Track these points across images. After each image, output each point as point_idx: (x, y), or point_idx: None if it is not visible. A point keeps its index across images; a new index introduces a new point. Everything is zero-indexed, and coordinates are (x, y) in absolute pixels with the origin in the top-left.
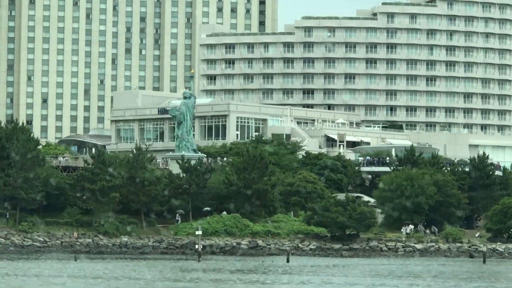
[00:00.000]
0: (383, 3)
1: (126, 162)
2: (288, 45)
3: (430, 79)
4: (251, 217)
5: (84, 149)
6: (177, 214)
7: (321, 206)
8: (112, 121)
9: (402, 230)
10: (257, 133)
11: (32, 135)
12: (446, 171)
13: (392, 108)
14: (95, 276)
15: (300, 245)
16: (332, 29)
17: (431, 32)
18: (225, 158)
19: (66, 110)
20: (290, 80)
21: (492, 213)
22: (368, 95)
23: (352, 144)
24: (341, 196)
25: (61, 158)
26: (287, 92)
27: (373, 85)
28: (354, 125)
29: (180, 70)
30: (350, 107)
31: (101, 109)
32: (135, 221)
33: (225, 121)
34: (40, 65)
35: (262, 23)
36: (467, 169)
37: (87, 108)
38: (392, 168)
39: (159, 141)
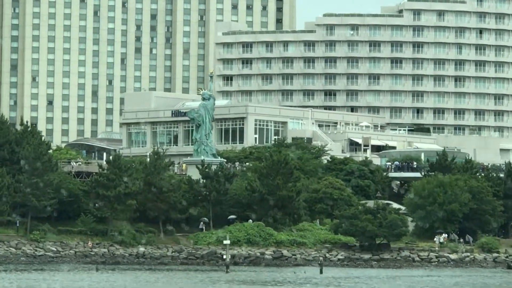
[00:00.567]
0: (409, 0)
1: (143, 168)
2: (309, 44)
3: (459, 80)
4: (275, 226)
5: (93, 153)
6: (201, 223)
7: (350, 214)
8: (123, 124)
9: (435, 239)
10: (276, 137)
11: (43, 139)
12: (480, 177)
13: (418, 111)
14: None
15: (327, 255)
16: (355, 27)
17: (459, 30)
18: (247, 164)
19: (72, 112)
20: (311, 80)
21: None
22: (393, 96)
23: (376, 148)
24: (370, 203)
25: (74, 163)
26: (308, 93)
27: (398, 86)
28: (379, 128)
29: (192, 70)
30: (374, 109)
31: (109, 111)
32: (153, 229)
33: (243, 124)
34: (46, 65)
35: (279, 21)
36: (501, 175)
37: (94, 111)
38: (423, 174)
39: (173, 145)
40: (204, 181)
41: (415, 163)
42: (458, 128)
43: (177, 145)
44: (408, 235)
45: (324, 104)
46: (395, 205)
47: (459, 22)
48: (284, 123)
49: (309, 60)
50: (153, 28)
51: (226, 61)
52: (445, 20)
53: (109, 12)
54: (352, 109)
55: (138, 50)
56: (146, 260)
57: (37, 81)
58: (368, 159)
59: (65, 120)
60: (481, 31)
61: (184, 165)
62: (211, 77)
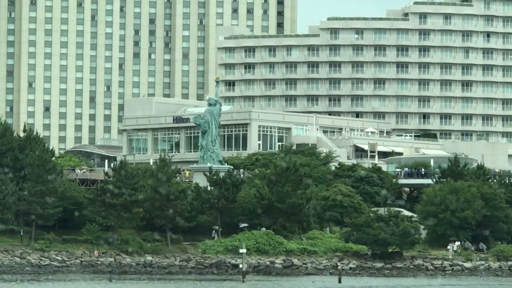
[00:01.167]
0: (415, 3)
1: (150, 175)
2: (313, 48)
3: (466, 84)
4: (284, 234)
5: (92, 160)
6: (213, 231)
7: (362, 222)
8: (123, 130)
9: (448, 247)
10: (280, 143)
11: (47, 145)
12: (492, 183)
13: (425, 116)
14: None
15: (339, 263)
16: (360, 31)
17: (466, 34)
18: (255, 170)
19: (70, 119)
20: (315, 85)
21: None
22: (399, 101)
23: (382, 155)
24: (380, 211)
25: (78, 170)
26: (312, 98)
27: (404, 91)
28: (385, 134)
29: (192, 75)
30: (380, 115)
31: (107, 117)
32: (160, 238)
33: (246, 130)
34: (42, 71)
35: (280, 25)
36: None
37: (92, 117)
38: (434, 180)
39: (175, 152)
40: (212, 188)
41: (423, 169)
42: (465, 134)
43: (179, 152)
44: (420, 243)
45: (329, 109)
46: (406, 213)
47: (466, 25)
48: (288, 129)
49: (313, 65)
50: (151, 33)
51: (228, 66)
52: (452, 23)
53: (107, 17)
54: (357, 114)
55: (136, 55)
56: (154, 269)
57: (33, 87)
58: (377, 165)
59: (62, 127)
60: (488, 34)
61: (187, 172)
62: (217, 82)
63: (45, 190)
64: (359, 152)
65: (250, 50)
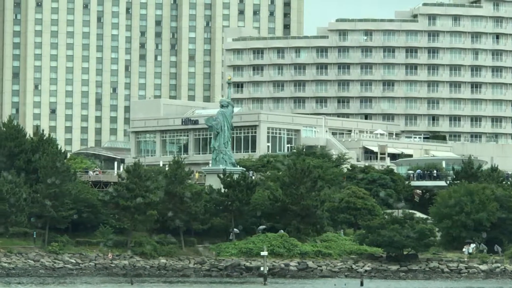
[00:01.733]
0: (424, 4)
1: (164, 177)
2: (321, 50)
3: (475, 86)
4: (298, 236)
5: (100, 163)
6: (231, 233)
7: (377, 224)
8: (132, 132)
9: (464, 249)
10: (289, 145)
11: (59, 147)
12: (506, 185)
13: (434, 118)
14: None
15: (353, 266)
16: (369, 32)
17: (476, 35)
18: (267, 172)
19: (76, 121)
20: (324, 87)
21: None
22: (408, 103)
23: (392, 157)
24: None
25: (91, 172)
26: (320, 100)
27: (413, 92)
28: (394, 136)
29: (198, 77)
30: (389, 117)
31: (113, 120)
32: (174, 241)
33: (255, 132)
34: (48, 73)
35: (287, 27)
36: None
37: (98, 119)
38: (448, 182)
39: (184, 154)
40: (226, 190)
41: (435, 171)
42: (475, 136)
43: (187, 154)
44: (435, 245)
45: (337, 111)
46: (418, 215)
47: (475, 27)
48: (297, 131)
49: (321, 67)
50: (158, 35)
51: (237, 68)
52: (461, 25)
53: (113, 18)
54: (366, 116)
55: (142, 57)
56: (168, 272)
57: (39, 89)
58: (390, 167)
59: (68, 129)
60: (498, 36)
61: (197, 174)
62: (229, 83)
63: (58, 193)
64: (368, 154)
65: (258, 51)
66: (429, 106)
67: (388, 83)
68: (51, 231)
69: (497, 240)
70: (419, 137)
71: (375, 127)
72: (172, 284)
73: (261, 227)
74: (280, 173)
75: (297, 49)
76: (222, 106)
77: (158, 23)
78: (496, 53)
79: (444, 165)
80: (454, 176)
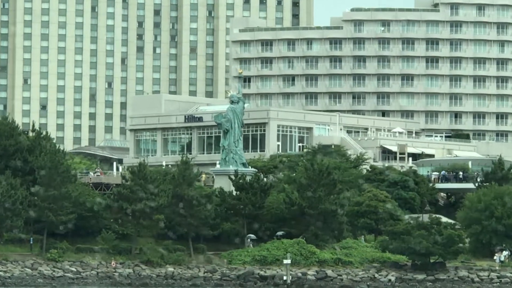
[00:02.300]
0: None
1: (171, 179)
2: (335, 42)
3: (501, 81)
4: (316, 243)
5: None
6: (248, 240)
7: (401, 230)
8: (130, 130)
9: (495, 257)
10: (301, 144)
11: (58, 146)
12: None
13: (456, 115)
14: None
15: (376, 275)
16: (386, 23)
17: (501, 26)
18: (281, 173)
19: (68, 118)
20: (338, 82)
21: None
22: (428, 99)
23: (412, 157)
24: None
25: (92, 174)
26: (334, 96)
27: (434, 87)
28: (413, 135)
29: (200, 71)
30: (408, 114)
31: (109, 117)
32: (182, 247)
33: (264, 130)
34: (38, 66)
35: (295, 16)
36: None
37: (92, 116)
38: (476, 184)
39: (187, 153)
40: (238, 193)
41: (461, 172)
42: (500, 134)
43: (190, 153)
44: (464, 253)
45: (352, 108)
46: (444, 219)
47: (501, 17)
48: (309, 128)
49: (335, 60)
50: (156, 25)
51: (243, 61)
52: (486, 15)
53: (108, 8)
54: (383, 113)
55: (140, 50)
56: (176, 281)
57: (29, 84)
58: (412, 168)
59: (60, 127)
60: None
61: (204, 175)
62: (240, 77)
63: (58, 195)
64: (386, 154)
65: (267, 43)
66: (451, 102)
67: (407, 78)
68: (49, 237)
69: None
70: (440, 136)
71: (393, 125)
72: None
73: (279, 232)
74: (294, 174)
75: (309, 41)
76: (232, 102)
77: (157, 12)
78: None
79: (470, 165)
80: (483, 178)
